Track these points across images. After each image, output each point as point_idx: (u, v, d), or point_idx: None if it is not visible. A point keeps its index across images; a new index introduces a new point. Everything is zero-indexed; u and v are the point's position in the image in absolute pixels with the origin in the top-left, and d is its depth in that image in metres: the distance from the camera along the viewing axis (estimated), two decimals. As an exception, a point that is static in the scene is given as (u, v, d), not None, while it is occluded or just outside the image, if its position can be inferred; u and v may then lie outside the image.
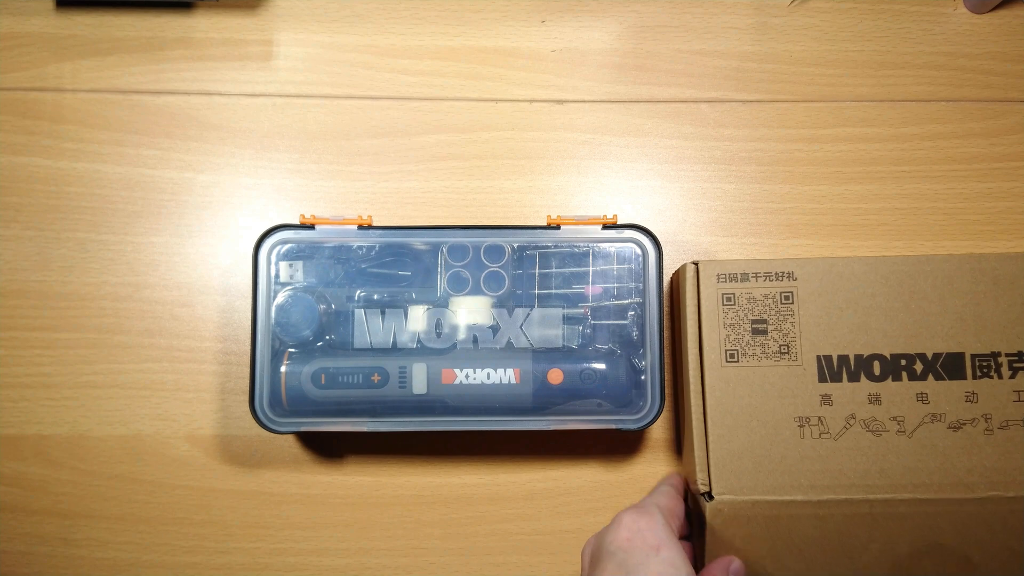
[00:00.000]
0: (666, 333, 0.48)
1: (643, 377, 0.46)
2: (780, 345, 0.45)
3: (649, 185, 0.53)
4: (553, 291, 0.46)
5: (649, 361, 0.46)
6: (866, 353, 0.44)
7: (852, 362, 0.44)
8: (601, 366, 0.45)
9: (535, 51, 0.53)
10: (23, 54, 0.52)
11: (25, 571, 0.49)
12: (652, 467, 0.50)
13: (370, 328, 0.46)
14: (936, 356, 0.44)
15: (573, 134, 0.53)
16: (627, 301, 0.46)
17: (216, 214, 0.52)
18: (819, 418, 0.44)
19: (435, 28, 0.53)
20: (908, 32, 0.54)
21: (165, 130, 0.52)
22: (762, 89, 0.53)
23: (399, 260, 0.46)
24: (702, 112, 0.53)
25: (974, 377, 0.44)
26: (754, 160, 0.52)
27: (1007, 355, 0.44)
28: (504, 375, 0.45)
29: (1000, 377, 0.44)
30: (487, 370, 0.45)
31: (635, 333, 0.46)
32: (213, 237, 0.52)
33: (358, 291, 0.46)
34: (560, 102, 0.53)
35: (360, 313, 0.46)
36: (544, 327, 0.46)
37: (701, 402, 0.45)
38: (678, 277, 0.47)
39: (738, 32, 0.54)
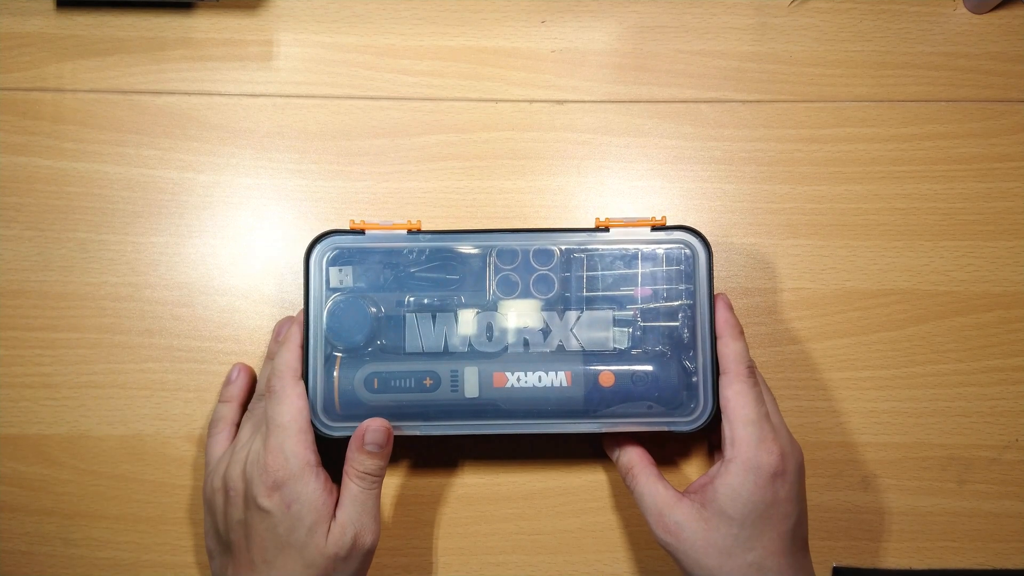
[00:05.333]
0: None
1: (694, 379, 0.45)
2: None
3: (649, 185, 0.53)
4: (601, 293, 0.46)
5: (700, 363, 0.45)
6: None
7: None
8: (652, 368, 0.45)
9: (535, 51, 0.53)
10: (23, 54, 0.52)
11: (25, 571, 0.49)
12: (652, 467, 0.50)
13: (421, 332, 0.46)
14: None
15: (573, 134, 0.53)
16: (677, 303, 0.46)
17: (216, 214, 0.52)
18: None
19: (435, 28, 0.53)
20: (908, 32, 0.54)
21: (165, 130, 0.52)
22: (762, 89, 0.53)
23: (447, 264, 0.46)
24: (702, 112, 0.53)
25: None
26: (754, 160, 0.53)
27: None
28: (555, 378, 0.45)
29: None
30: (538, 373, 0.45)
31: (686, 334, 0.46)
32: (213, 237, 0.52)
33: (408, 296, 0.46)
34: (560, 102, 0.53)
35: (411, 317, 0.46)
36: (594, 329, 0.46)
37: None
38: None
39: (738, 32, 0.54)
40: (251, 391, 0.49)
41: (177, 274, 0.51)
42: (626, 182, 0.52)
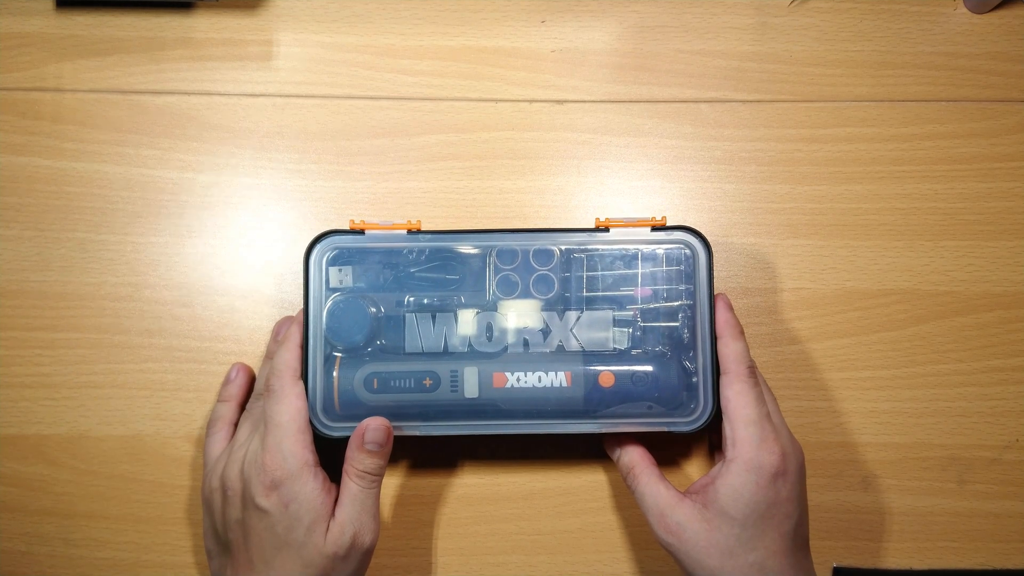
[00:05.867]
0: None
1: (694, 379, 0.45)
2: None
3: (649, 185, 0.53)
4: (601, 293, 0.46)
5: (700, 363, 0.45)
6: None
7: None
8: (652, 368, 0.45)
9: (535, 51, 0.53)
10: (23, 54, 0.52)
11: (25, 571, 0.49)
12: (652, 467, 0.50)
13: (421, 332, 0.46)
14: None
15: (573, 134, 0.53)
16: (677, 303, 0.46)
17: (216, 214, 0.52)
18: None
19: (435, 28, 0.53)
20: (908, 32, 0.54)
21: (165, 130, 0.52)
22: (762, 89, 0.53)
23: (447, 264, 0.46)
24: (702, 112, 0.53)
25: None
26: (754, 160, 0.53)
27: None
28: (555, 378, 0.45)
29: None
30: (538, 373, 0.45)
31: (686, 335, 0.46)
32: (213, 237, 0.52)
33: (408, 296, 0.46)
34: (560, 102, 0.53)
35: (411, 317, 0.46)
36: (594, 330, 0.46)
37: None
38: None
39: (738, 32, 0.54)
40: (250, 390, 0.49)
41: (177, 274, 0.51)
42: (626, 182, 0.52)
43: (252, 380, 0.50)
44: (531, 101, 0.53)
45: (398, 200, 0.52)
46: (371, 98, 0.53)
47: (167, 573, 0.50)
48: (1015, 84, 0.53)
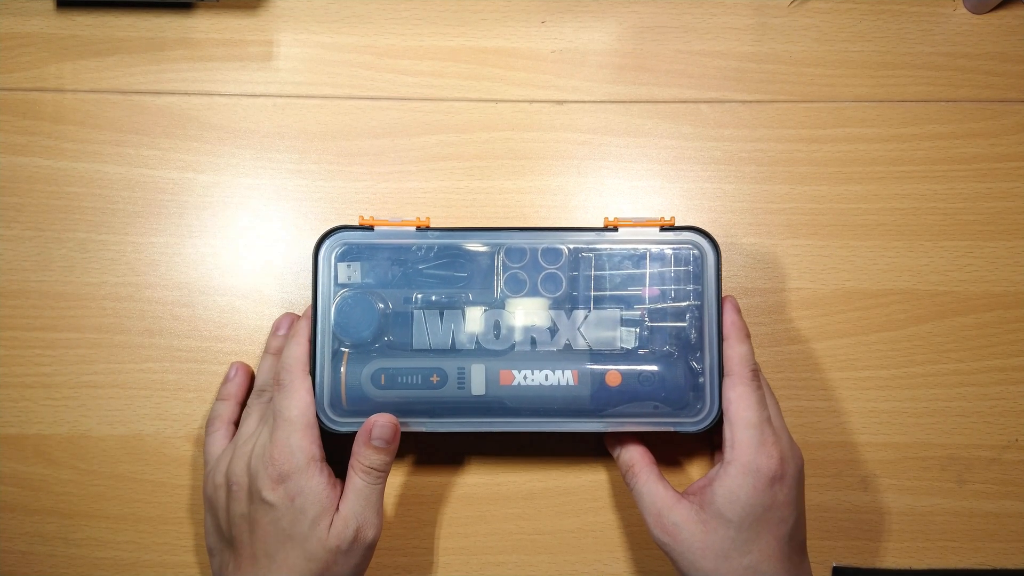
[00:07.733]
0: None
1: (701, 380, 0.45)
2: None
3: (649, 185, 0.53)
4: (609, 292, 0.46)
5: (708, 364, 0.45)
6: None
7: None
8: (659, 368, 0.45)
9: (535, 51, 0.53)
10: (23, 54, 0.52)
11: (25, 571, 0.49)
12: (652, 467, 0.50)
13: (428, 329, 0.46)
14: None
15: (573, 134, 0.53)
16: (684, 304, 0.46)
17: (216, 214, 0.52)
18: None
19: (435, 28, 0.53)
20: (907, 32, 0.54)
21: (165, 130, 0.52)
22: (762, 89, 0.53)
23: (456, 261, 0.46)
24: (702, 112, 0.53)
25: None
26: (754, 160, 0.53)
27: None
28: (562, 377, 0.45)
29: None
30: (545, 371, 0.45)
31: (693, 335, 0.46)
32: (213, 237, 0.52)
33: (416, 292, 0.46)
34: (560, 102, 0.53)
35: (419, 314, 0.46)
36: (601, 329, 0.46)
37: None
38: None
39: (738, 32, 0.54)
40: (249, 389, 0.49)
41: (177, 274, 0.51)
42: (626, 182, 0.53)
43: (251, 378, 0.50)
44: (531, 101, 0.53)
45: (398, 200, 0.52)
46: (371, 98, 0.53)
47: (167, 573, 0.50)
48: (1015, 84, 0.53)
